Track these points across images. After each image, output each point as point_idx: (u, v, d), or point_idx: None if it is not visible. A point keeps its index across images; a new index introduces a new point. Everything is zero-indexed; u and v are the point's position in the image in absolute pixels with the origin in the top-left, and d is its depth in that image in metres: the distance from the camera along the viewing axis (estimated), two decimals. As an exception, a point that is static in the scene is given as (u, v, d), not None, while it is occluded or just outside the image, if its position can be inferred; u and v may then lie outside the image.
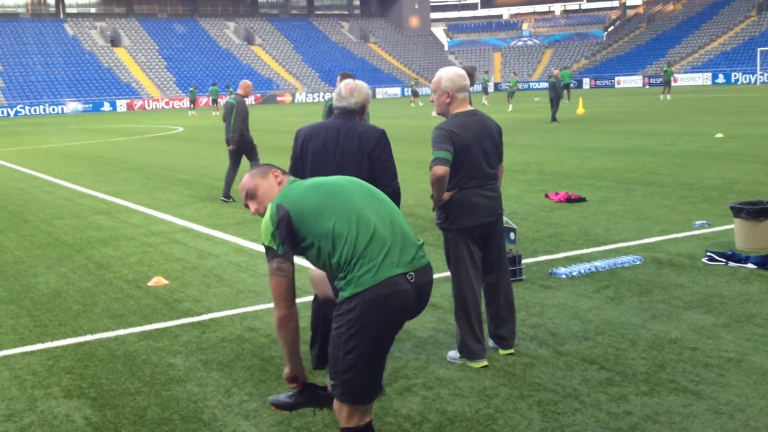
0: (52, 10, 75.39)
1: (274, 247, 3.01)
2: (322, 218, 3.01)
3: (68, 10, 75.68)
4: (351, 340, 2.95)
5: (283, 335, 3.08)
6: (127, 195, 12.81)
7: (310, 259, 3.12)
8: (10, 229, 10.17)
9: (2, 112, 57.57)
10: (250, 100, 64.45)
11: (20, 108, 58.44)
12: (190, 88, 51.86)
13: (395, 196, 4.55)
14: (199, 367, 4.89)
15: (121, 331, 5.69)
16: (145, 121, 40.18)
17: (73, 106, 60.11)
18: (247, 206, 3.28)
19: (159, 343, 5.39)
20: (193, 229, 9.64)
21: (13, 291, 7.00)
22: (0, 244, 9.14)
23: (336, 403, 3.09)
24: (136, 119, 44.18)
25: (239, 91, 11.86)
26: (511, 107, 36.84)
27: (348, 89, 4.71)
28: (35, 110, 58.64)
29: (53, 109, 59.25)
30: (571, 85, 44.25)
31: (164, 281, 7.06)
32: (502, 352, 4.88)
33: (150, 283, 7.00)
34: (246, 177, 3.26)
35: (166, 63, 70.65)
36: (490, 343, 4.96)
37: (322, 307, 4.76)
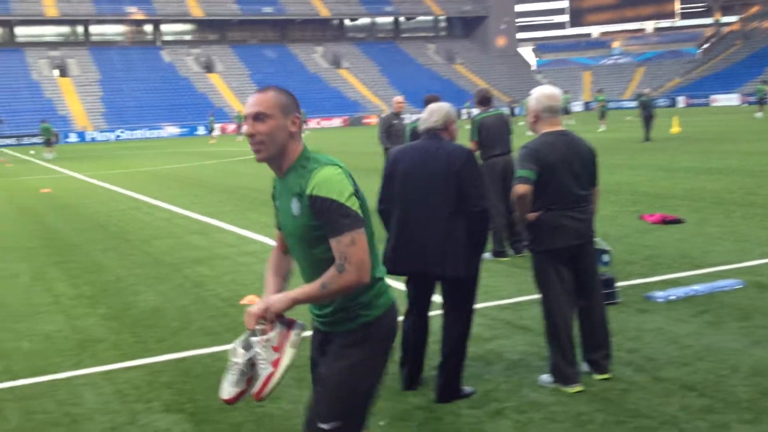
0: (150, 38, 78.54)
1: (356, 209, 2.65)
2: (365, 210, 2.73)
3: (164, 38, 78.68)
4: (369, 375, 2.77)
5: (339, 294, 2.68)
6: (221, 216, 13.17)
7: (324, 250, 2.68)
8: (112, 248, 10.59)
9: (104, 137, 60.13)
10: (337, 122, 65.40)
11: (120, 132, 60.94)
12: (209, 117, 52.44)
13: (483, 216, 4.53)
14: (291, 384, 4.96)
15: (217, 348, 5.84)
16: (237, 144, 41.28)
17: (170, 130, 62.31)
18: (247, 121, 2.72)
19: (253, 360, 5.51)
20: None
21: (115, 308, 7.29)
22: (102, 263, 9.53)
23: None
24: (228, 143, 45.46)
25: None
26: (603, 127, 36.13)
27: (428, 110, 4.79)
28: (134, 134, 61.04)
29: (151, 134, 61.55)
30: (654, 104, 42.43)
31: (257, 299, 7.21)
32: (596, 377, 4.78)
33: (243, 301, 7.17)
34: (270, 95, 2.75)
35: (257, 87, 72.57)
36: (584, 367, 4.86)
37: (415, 326, 4.79)
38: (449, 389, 4.59)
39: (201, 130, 63.01)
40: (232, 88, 71.84)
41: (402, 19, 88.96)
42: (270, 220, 12.46)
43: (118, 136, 60.51)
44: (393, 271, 4.71)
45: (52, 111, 60.19)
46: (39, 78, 67.43)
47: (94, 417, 4.64)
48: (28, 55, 70.04)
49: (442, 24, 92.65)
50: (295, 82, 74.14)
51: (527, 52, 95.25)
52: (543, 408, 4.37)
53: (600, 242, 5.82)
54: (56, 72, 68.99)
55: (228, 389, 2.74)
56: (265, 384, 2.68)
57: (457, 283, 4.59)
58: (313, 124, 60.50)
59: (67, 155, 36.07)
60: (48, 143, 36.33)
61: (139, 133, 61.16)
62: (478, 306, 5.05)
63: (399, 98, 12.22)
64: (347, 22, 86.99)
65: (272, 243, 10.28)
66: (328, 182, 2.64)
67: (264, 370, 2.69)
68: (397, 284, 5.07)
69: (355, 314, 2.77)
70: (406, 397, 4.68)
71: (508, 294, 7.00)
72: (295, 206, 2.73)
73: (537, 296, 4.87)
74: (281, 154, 2.76)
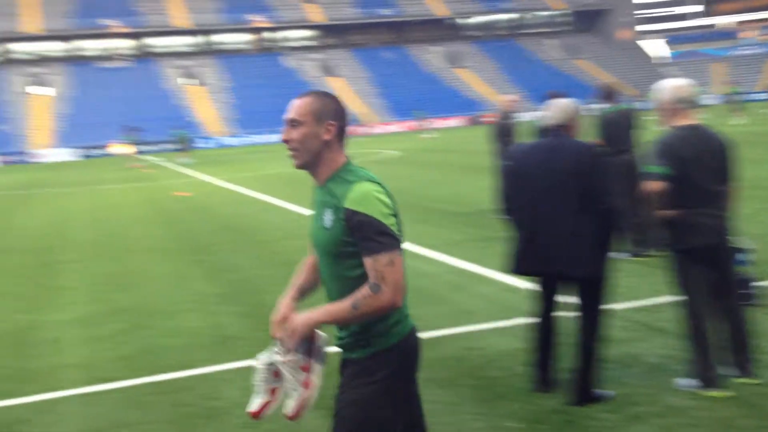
0: (273, 45, 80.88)
1: (395, 230, 2.58)
2: (401, 233, 2.65)
3: (287, 44, 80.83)
4: (382, 406, 2.62)
5: (370, 317, 2.58)
6: (346, 217, 13.39)
7: (350, 268, 2.61)
8: (245, 249, 11.00)
9: (233, 142, 62.45)
10: (456, 122, 65.20)
11: (248, 137, 63.12)
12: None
13: (610, 214, 4.42)
14: (423, 384, 5.01)
15: (349, 347, 5.96)
16: (364, 146, 41.92)
17: (293, 134, 63.97)
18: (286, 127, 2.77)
19: (384, 359, 5.60)
20: (409, 250, 9.92)
21: (250, 306, 7.57)
22: (236, 263, 9.92)
23: None
24: (355, 145, 46.24)
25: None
26: (739, 119, 34.35)
27: (551, 107, 4.73)
28: (262, 139, 63.07)
29: (278, 137, 63.35)
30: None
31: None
32: (739, 380, 4.59)
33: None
34: (305, 101, 2.74)
35: (377, 90, 73.41)
36: (727, 370, 4.67)
37: (542, 326, 4.74)
38: (581, 392, 4.52)
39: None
40: (353, 91, 73.00)
41: (520, 15, 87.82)
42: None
43: (247, 141, 62.66)
44: (520, 272, 4.69)
45: (183, 118, 63.00)
46: (171, 87, 70.76)
47: (233, 411, 4.84)
48: (162, 65, 73.63)
49: (560, 19, 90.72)
50: (412, 83, 74.61)
51: (653, 44, 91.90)
52: (684, 413, 4.24)
53: (742, 241, 5.56)
54: (186, 80, 72.19)
55: (254, 402, 2.74)
56: (301, 407, 2.66)
57: (586, 283, 4.51)
58: (435, 123, 60.51)
59: (200, 160, 37.68)
60: (183, 149, 38.06)
61: (265, 137, 63.13)
62: (613, 307, 4.94)
63: (509, 97, 12.14)
64: (463, 21, 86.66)
65: (397, 243, 10.37)
66: (367, 198, 2.56)
67: (296, 392, 2.66)
68: (525, 284, 5.04)
69: (369, 342, 2.65)
70: (539, 400, 4.63)
71: (643, 295, 6.80)
72: (328, 218, 2.64)
73: (673, 297, 4.71)
74: (316, 162, 2.71)
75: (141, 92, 68.49)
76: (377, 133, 61.06)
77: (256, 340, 6.34)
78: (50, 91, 67.03)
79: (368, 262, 2.53)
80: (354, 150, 38.19)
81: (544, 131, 4.79)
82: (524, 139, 9.52)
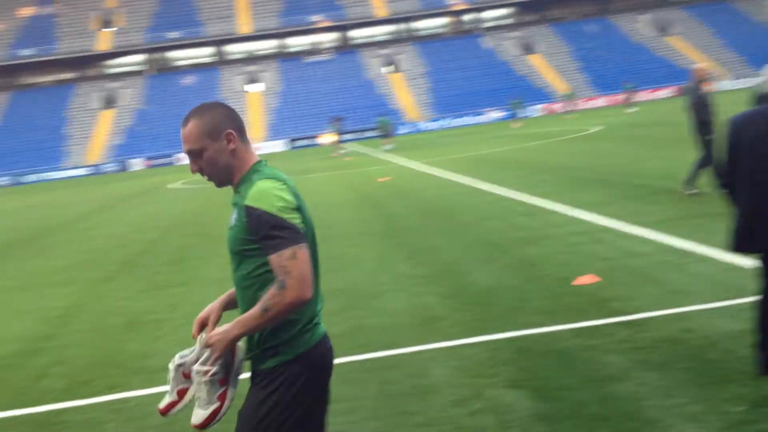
0: (470, 27, 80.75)
1: (297, 224, 2.53)
2: (310, 231, 2.66)
3: (485, 25, 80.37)
4: (285, 421, 2.56)
5: (282, 317, 2.53)
6: (547, 196, 13.13)
7: (250, 270, 2.59)
8: (444, 231, 11.08)
9: (431, 126, 63.24)
10: (666, 93, 61.78)
11: (446, 121, 63.64)
12: (513, 100, 51.37)
13: None
14: (635, 367, 4.79)
15: (554, 328, 5.83)
16: (560, 124, 40.89)
17: (491, 115, 63.67)
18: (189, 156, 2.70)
19: (592, 340, 5.41)
20: (616, 228, 9.52)
21: (452, 287, 7.61)
22: (436, 245, 10.01)
23: None
24: (551, 123, 45.24)
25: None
26: None
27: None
28: (459, 122, 63.35)
29: (475, 119, 63.40)
30: None
31: (591, 280, 7.08)
32: None
33: (576, 282, 7.07)
34: (191, 127, 2.65)
35: (578, 64, 71.19)
36: None
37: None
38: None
39: (523, 113, 63.45)
40: (553, 67, 71.28)
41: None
42: (600, 198, 12.18)
43: (445, 125, 63.20)
44: (745, 249, 4.33)
45: (385, 106, 64.63)
46: (372, 76, 72.79)
47: (441, 389, 4.89)
48: (362, 55, 75.93)
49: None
50: (618, 54, 71.54)
51: None
52: None
53: None
54: (387, 68, 73.94)
55: (163, 400, 2.75)
56: (211, 418, 2.62)
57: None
58: (641, 96, 57.69)
59: (400, 146, 38.52)
60: (385, 135, 39.08)
61: (463, 120, 63.32)
62: None
63: (699, 65, 11.36)
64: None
65: (603, 223, 10.02)
66: (264, 194, 2.51)
67: (209, 405, 2.62)
68: (748, 262, 4.64)
69: (275, 352, 2.59)
70: (764, 383, 4.27)
71: None
72: (233, 217, 2.61)
73: None
74: (232, 173, 2.66)
75: (344, 83, 71.08)
76: (579, 110, 59.17)
77: (459, 321, 6.37)
78: (261, 87, 71.37)
79: (273, 259, 2.48)
80: (556, 128, 37.30)
81: (764, 98, 4.38)
82: (742, 107, 8.82)
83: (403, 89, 70.24)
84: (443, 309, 6.82)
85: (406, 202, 15.14)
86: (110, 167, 60.07)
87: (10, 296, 10.39)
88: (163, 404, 2.74)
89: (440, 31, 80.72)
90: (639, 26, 77.04)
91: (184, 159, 59.77)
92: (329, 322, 6.72)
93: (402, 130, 60.90)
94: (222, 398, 2.64)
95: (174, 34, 74.49)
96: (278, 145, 61.30)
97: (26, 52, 72.91)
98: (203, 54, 76.60)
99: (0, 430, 5.21)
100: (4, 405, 5.69)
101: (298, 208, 2.58)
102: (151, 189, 30.55)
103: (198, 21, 75.87)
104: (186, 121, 2.66)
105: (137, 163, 60.47)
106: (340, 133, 40.72)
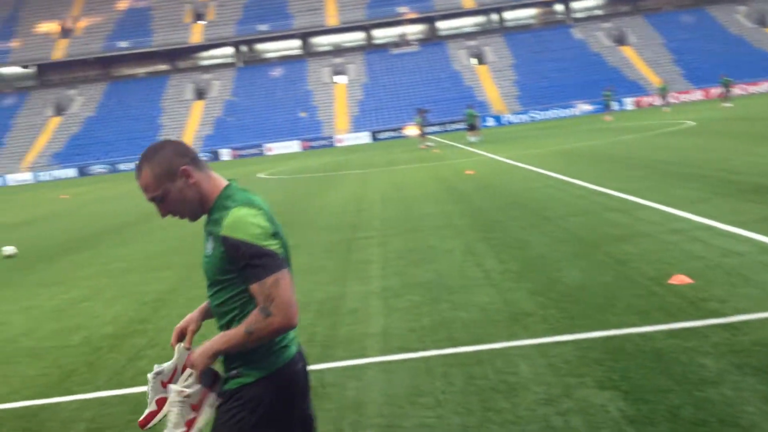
0: (560, 17, 79.30)
1: (276, 249, 2.52)
2: (287, 255, 2.65)
3: (575, 15, 78.79)
4: None
5: (265, 340, 2.53)
6: (640, 192, 12.78)
7: (228, 297, 2.58)
8: (533, 226, 10.93)
9: (518, 119, 62.45)
10: (764, 87, 59.24)
11: (534, 113, 62.73)
12: (605, 92, 49.64)
13: None
14: (732, 371, 4.63)
15: (647, 328, 5.68)
16: (652, 118, 39.76)
17: (582, 107, 62.42)
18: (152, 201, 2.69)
19: (688, 342, 5.25)
20: (713, 226, 9.19)
21: (540, 283, 7.51)
22: (525, 240, 9.89)
23: None
24: (643, 116, 44.02)
25: None
26: None
27: None
28: (547, 115, 62.34)
29: (564, 112, 62.29)
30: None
31: (687, 279, 6.86)
32: None
33: (671, 281, 6.87)
34: (145, 174, 2.65)
35: (672, 57, 69.02)
36: None
37: None
38: None
39: (614, 105, 61.94)
40: (646, 59, 69.31)
41: None
42: (696, 195, 11.78)
43: (532, 118, 62.32)
44: None
45: (471, 98, 64.15)
46: (459, 68, 72.34)
47: (530, 387, 4.83)
48: (449, 47, 75.54)
49: None
50: (716, 46, 69.00)
51: None
52: None
53: None
54: (474, 60, 73.37)
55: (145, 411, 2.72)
56: None
57: None
58: (738, 90, 55.45)
59: (486, 138, 38.19)
60: (472, 128, 38.83)
61: (551, 113, 62.29)
62: None
63: None
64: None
65: (698, 220, 9.69)
66: (240, 222, 2.48)
67: (177, 429, 2.57)
68: None
69: (237, 374, 2.58)
70: None
71: None
72: (209, 246, 2.59)
73: None
74: (201, 205, 2.65)
75: (430, 75, 70.91)
76: (673, 103, 57.35)
77: (548, 318, 6.28)
78: (345, 79, 71.93)
79: (254, 288, 2.47)
80: (648, 121, 36.26)
81: None
82: None
83: (490, 81, 69.59)
84: (532, 305, 6.73)
85: (493, 195, 15.01)
86: (200, 157, 61.66)
87: (119, 278, 10.80)
88: (142, 416, 2.72)
89: (529, 21, 79.54)
90: (738, 17, 74.11)
91: (272, 149, 60.96)
92: (415, 314, 6.78)
93: (488, 123, 60.37)
94: (190, 425, 2.61)
95: (263, 27, 75.82)
96: (362, 137, 61.68)
97: (123, 44, 75.55)
98: (291, 46, 77.76)
99: (98, 409, 5.42)
100: (101, 385, 5.93)
101: (275, 234, 2.56)
102: (240, 178, 31.18)
103: (287, 13, 76.99)
104: (139, 170, 2.65)
105: (226, 154, 61.92)
106: (425, 125, 40.66)
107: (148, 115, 69.68)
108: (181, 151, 2.67)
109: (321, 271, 9.38)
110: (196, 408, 2.62)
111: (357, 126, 64.67)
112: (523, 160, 22.54)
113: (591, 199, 12.90)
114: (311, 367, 5.60)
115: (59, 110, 72.84)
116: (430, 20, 77.47)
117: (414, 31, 77.82)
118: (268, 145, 61.57)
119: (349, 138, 61.62)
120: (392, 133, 61.48)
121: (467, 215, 12.75)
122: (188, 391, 2.59)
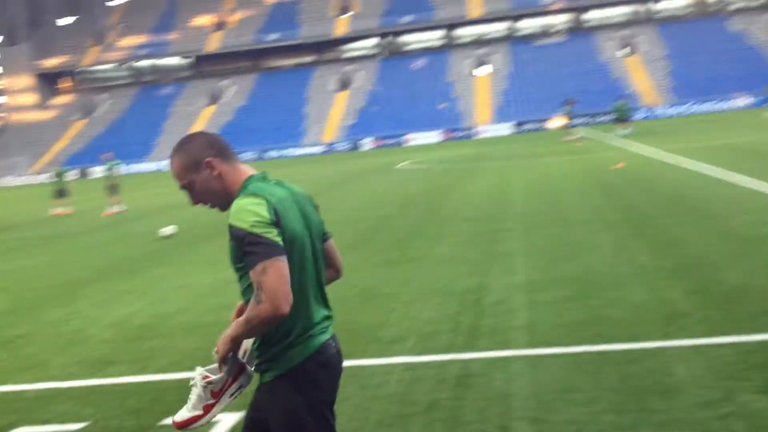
0: (715, 8, 75.17)
1: (271, 237, 2.53)
2: (295, 243, 2.67)
3: (732, 7, 74.46)
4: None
5: (263, 329, 2.57)
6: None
7: (249, 284, 2.61)
8: (689, 223, 10.41)
9: (672, 111, 59.76)
10: None
11: (687, 106, 59.85)
12: None
13: None
14: None
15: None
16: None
17: (742, 101, 58.98)
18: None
19: None
20: None
21: (699, 282, 7.13)
22: (681, 237, 9.43)
23: None
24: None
25: None
26: None
27: None
28: (703, 107, 59.31)
29: (721, 105, 59.08)
30: None
31: None
32: None
33: None
34: (175, 164, 2.80)
35: (842, 46, 63.95)
36: None
37: None
38: None
39: (775, 100, 58.14)
40: (810, 54, 64.57)
41: None
42: None
43: (686, 110, 59.51)
44: None
45: (620, 90, 61.96)
46: (606, 59, 70.05)
47: (687, 390, 4.60)
48: (596, 37, 73.28)
49: None
50: None
51: None
52: None
53: None
54: (624, 51, 70.83)
55: (182, 412, 2.70)
56: (188, 423, 2.63)
57: None
58: None
59: (637, 131, 36.78)
60: (621, 120, 37.48)
61: (706, 106, 59.23)
62: None
63: None
64: None
65: None
66: (239, 211, 2.56)
67: (194, 410, 2.61)
68: None
69: (267, 366, 2.65)
70: None
71: None
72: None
73: None
74: (229, 194, 2.72)
75: (576, 66, 69.03)
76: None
77: (706, 319, 5.96)
78: (488, 70, 71.24)
79: (251, 275, 2.52)
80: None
81: None
82: None
83: (641, 73, 66.97)
84: (689, 305, 6.40)
85: (644, 190, 14.42)
86: (342, 146, 62.97)
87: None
88: (184, 417, 2.72)
89: (682, 12, 75.95)
90: None
91: (412, 140, 61.37)
92: (563, 309, 6.60)
93: (638, 115, 58.17)
94: (207, 409, 2.66)
95: (406, 19, 76.29)
96: (504, 129, 60.96)
97: (271, 36, 78.16)
98: (433, 38, 77.85)
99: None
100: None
101: (275, 223, 2.57)
102: (381, 168, 31.63)
103: (430, 5, 77.11)
104: (171, 160, 2.80)
105: (367, 143, 62.85)
106: (572, 116, 39.60)
107: (293, 105, 71.77)
108: (208, 143, 2.77)
109: (463, 262, 9.32)
110: (215, 395, 2.68)
111: (500, 117, 63.95)
112: (678, 153, 21.52)
113: (755, 197, 12.14)
114: (456, 356, 5.60)
115: (213, 100, 76.33)
116: (576, 10, 75.42)
117: (560, 21, 76.03)
118: (409, 135, 62.01)
119: (490, 129, 61.05)
120: (535, 125, 60.39)
121: (617, 210, 12.31)
122: (211, 377, 2.67)
